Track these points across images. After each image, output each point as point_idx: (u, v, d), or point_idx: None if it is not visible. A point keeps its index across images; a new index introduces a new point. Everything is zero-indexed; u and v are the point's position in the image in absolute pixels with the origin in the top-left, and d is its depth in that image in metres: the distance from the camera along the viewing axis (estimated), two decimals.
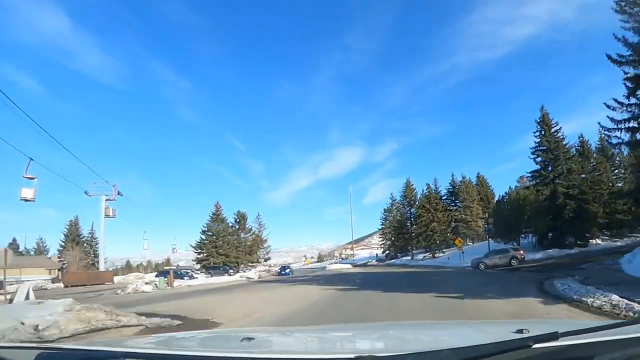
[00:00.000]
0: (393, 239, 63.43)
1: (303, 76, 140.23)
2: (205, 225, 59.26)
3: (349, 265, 49.94)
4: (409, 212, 56.80)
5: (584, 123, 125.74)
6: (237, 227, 61.01)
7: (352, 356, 0.92)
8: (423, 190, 56.77)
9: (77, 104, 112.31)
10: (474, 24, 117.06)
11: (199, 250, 58.47)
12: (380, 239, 67.30)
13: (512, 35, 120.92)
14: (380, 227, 67.20)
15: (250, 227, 62.49)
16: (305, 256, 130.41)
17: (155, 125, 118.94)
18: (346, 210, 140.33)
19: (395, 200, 66.44)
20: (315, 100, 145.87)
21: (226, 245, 58.30)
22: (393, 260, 60.57)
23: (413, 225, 53.20)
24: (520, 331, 1.21)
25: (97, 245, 69.72)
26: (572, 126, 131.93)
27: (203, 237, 58.57)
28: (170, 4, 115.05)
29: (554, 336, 0.92)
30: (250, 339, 1.32)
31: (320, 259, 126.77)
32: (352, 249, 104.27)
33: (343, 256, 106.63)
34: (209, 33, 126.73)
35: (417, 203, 55.69)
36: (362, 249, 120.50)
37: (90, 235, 69.79)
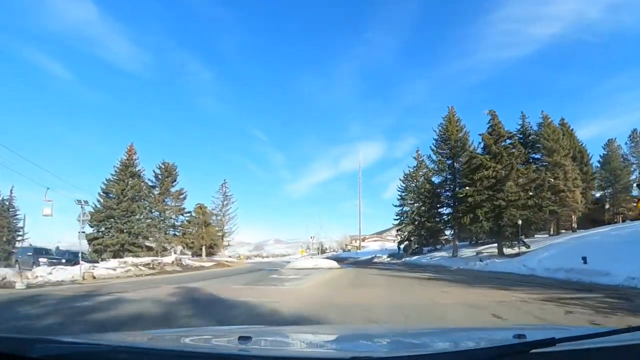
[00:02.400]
0: (417, 221, 37.93)
1: (325, 70, 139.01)
2: (106, 182, 36.00)
3: (333, 263, 25.39)
4: (449, 169, 30.76)
5: (607, 125, 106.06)
6: (158, 188, 37.35)
7: (348, 357, 0.90)
8: (473, 143, 30.97)
9: (103, 90, 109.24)
10: (498, 22, 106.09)
11: (94, 223, 35.34)
12: (397, 221, 41.77)
13: (537, 34, 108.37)
14: (397, 204, 41.71)
15: (182, 189, 38.64)
16: (309, 247, 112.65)
17: (178, 113, 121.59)
18: (366, 204, 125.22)
19: (422, 160, 40.82)
20: (336, 94, 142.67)
21: (133, 216, 34.81)
22: (416, 258, 35.32)
23: (460, 189, 27.23)
24: (518, 336, 1.18)
25: (14, 218, 48.99)
26: (595, 128, 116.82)
27: (101, 201, 35.36)
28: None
29: (551, 342, 0.90)
30: (246, 337, 1.29)
31: (322, 250, 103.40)
32: (359, 239, 78.73)
33: (349, 248, 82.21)
34: (232, 25, 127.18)
35: (465, 153, 29.71)
36: (374, 240, 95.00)
37: (6, 203, 48.22)
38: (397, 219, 41.65)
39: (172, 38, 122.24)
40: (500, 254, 24.45)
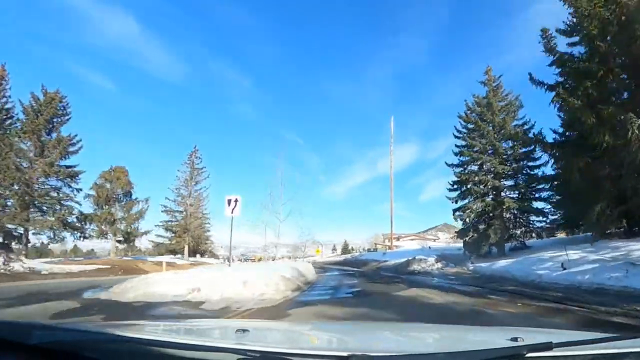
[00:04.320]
0: (500, 188, 18.72)
1: (358, 74, 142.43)
2: None
3: (280, 283, 7.49)
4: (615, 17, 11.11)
5: None
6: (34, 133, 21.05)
7: (345, 354, 0.88)
8: None
9: (145, 100, 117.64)
10: (532, 19, 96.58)
11: None
12: (455, 194, 22.30)
13: None
14: (455, 162, 22.62)
15: (69, 135, 22.19)
16: (335, 248, 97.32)
17: (216, 120, 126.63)
18: (401, 207, 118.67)
19: (499, 84, 21.81)
20: (370, 97, 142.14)
21: None
22: (506, 264, 16.02)
23: None
24: (514, 339, 1.17)
25: None
26: None
27: None
28: (231, 8, 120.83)
29: (548, 346, 0.90)
30: (244, 330, 1.30)
31: (347, 251, 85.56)
32: (390, 237, 58.38)
33: (377, 247, 63.49)
34: (268, 35, 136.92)
35: None
36: (411, 239, 74.97)
37: None
38: (453, 190, 22.39)
39: (210, 49, 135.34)
40: None
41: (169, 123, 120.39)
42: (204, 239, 51.87)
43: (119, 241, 23.96)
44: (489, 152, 21.16)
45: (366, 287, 9.96)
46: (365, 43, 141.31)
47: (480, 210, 20.99)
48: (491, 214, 20.70)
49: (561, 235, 28.80)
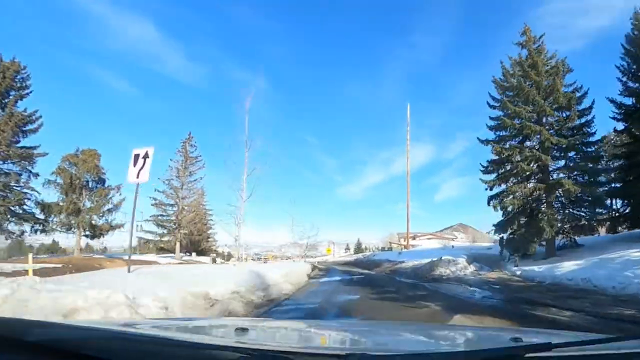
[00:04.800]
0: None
1: (372, 74, 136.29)
2: None
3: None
4: None
5: None
6: None
7: (344, 353, 0.87)
8: None
9: (163, 102, 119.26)
10: (545, 16, 77.92)
11: None
12: (493, 176, 17.66)
13: (585, 27, 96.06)
14: (488, 137, 17.96)
15: (24, 111, 18.67)
16: (349, 247, 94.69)
17: (227, 119, 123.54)
18: (416, 206, 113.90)
19: (541, 45, 18.84)
20: (384, 98, 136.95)
21: None
22: (576, 265, 11.34)
23: None
24: (514, 339, 1.15)
25: None
26: None
27: None
28: (246, 11, 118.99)
29: (547, 346, 0.90)
30: (243, 329, 1.29)
31: (359, 250, 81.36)
32: (406, 236, 53.28)
33: (391, 246, 58.86)
34: (282, 37, 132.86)
35: None
36: (428, 239, 70.00)
37: None
38: (488, 173, 17.81)
39: (225, 51, 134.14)
40: None
41: (177, 122, 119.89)
42: (205, 236, 48.35)
43: (86, 235, 20.45)
44: (534, 121, 16.51)
45: (369, 312, 5.72)
46: (379, 42, 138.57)
47: (524, 197, 16.32)
48: (540, 202, 16.04)
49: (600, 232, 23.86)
